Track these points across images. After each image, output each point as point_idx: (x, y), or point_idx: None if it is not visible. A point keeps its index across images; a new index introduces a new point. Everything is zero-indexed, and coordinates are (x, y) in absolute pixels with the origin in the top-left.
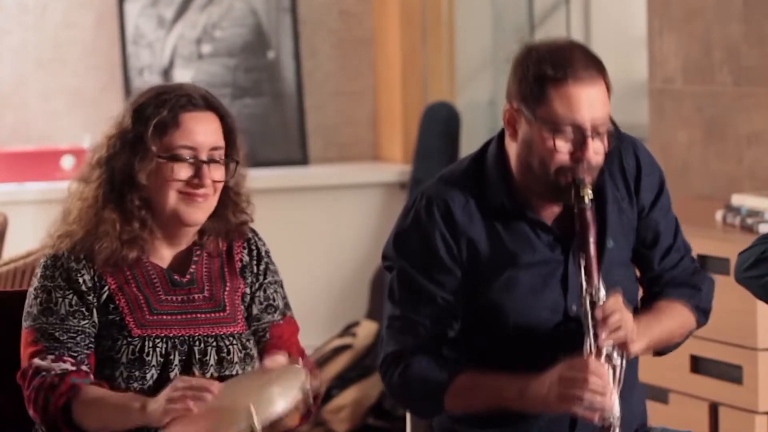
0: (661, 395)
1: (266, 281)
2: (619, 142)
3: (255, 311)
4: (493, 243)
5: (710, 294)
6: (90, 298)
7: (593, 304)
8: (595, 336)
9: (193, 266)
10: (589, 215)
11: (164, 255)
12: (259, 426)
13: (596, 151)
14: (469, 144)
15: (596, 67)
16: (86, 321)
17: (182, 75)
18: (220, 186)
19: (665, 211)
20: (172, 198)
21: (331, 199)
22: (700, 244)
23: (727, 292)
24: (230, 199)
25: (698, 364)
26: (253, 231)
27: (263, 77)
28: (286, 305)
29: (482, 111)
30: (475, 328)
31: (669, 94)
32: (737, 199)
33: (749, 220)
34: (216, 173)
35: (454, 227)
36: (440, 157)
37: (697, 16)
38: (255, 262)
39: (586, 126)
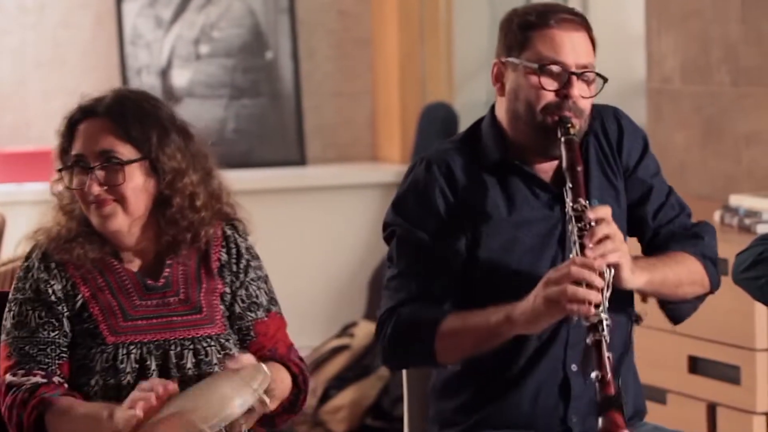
0: (659, 395)
1: (248, 279)
2: (602, 108)
3: (237, 310)
4: (493, 202)
5: (713, 241)
6: (60, 308)
7: (579, 218)
8: (581, 246)
9: (168, 269)
10: (577, 146)
11: (134, 260)
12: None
13: (582, 94)
14: None
15: (579, 17)
16: (56, 332)
17: (180, 75)
18: (128, 189)
19: (651, 172)
20: (84, 208)
21: (329, 200)
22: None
23: (725, 292)
24: (170, 203)
25: (696, 365)
26: (234, 227)
27: (261, 78)
28: (272, 300)
29: (480, 111)
30: (474, 287)
31: (667, 93)
32: (735, 200)
33: (747, 221)
34: (111, 178)
35: (454, 185)
36: None
37: (696, 15)
38: (234, 261)
39: (570, 65)
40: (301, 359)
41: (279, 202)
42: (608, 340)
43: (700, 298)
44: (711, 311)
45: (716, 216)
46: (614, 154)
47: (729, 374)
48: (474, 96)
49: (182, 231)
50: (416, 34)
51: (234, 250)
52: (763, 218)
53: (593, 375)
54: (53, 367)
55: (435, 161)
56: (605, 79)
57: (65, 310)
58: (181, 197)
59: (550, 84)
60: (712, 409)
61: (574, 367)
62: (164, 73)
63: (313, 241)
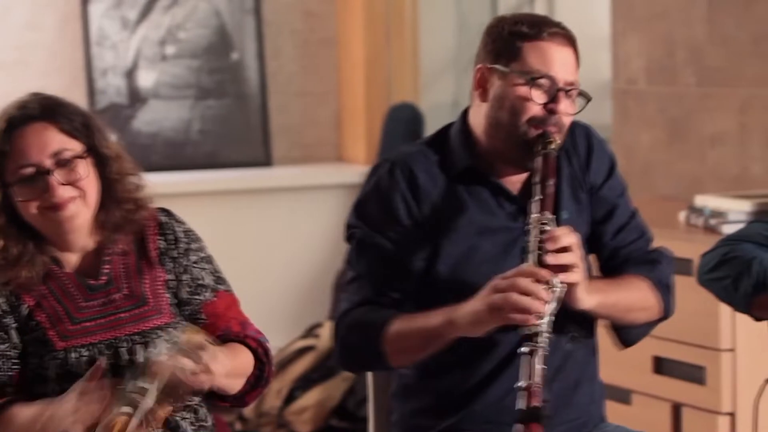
0: (623, 396)
1: (190, 262)
2: (574, 124)
3: (184, 295)
4: (456, 209)
5: (670, 268)
6: (7, 320)
7: (543, 228)
8: (540, 253)
9: (107, 266)
10: (553, 162)
11: (72, 261)
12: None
13: (566, 110)
14: None
15: (568, 34)
16: (5, 344)
17: (146, 76)
18: (88, 182)
19: (617, 192)
20: (36, 217)
21: (294, 201)
22: (662, 245)
23: (689, 293)
24: (111, 193)
25: (661, 365)
26: (167, 213)
27: (227, 78)
28: (218, 280)
29: (446, 112)
30: (433, 293)
31: (632, 94)
32: (700, 200)
33: (712, 221)
34: (71, 175)
35: (416, 190)
36: None
37: (661, 16)
38: (173, 246)
39: (560, 80)
40: (258, 332)
41: (244, 203)
42: (545, 353)
43: (651, 324)
44: (675, 312)
45: (681, 216)
46: (582, 170)
47: (693, 374)
48: (439, 96)
49: (129, 213)
50: (382, 34)
51: (171, 236)
52: (729, 218)
53: (520, 384)
54: (3, 379)
55: (398, 165)
56: (589, 98)
57: (12, 321)
58: (123, 182)
59: (538, 97)
60: (676, 410)
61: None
62: (130, 74)
63: (278, 241)
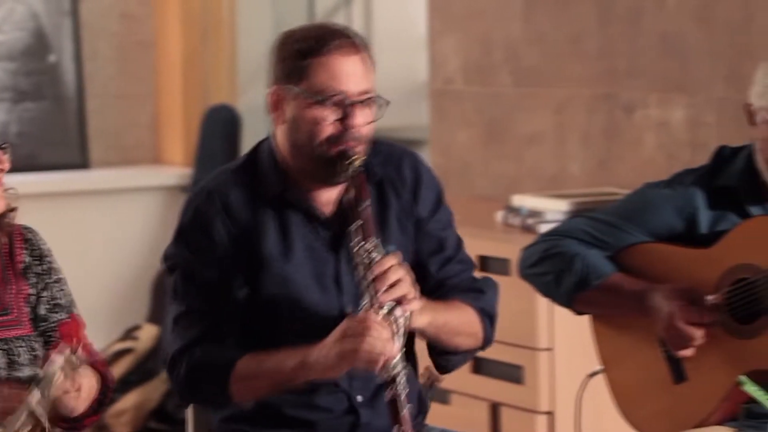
0: (442, 396)
1: (51, 281)
2: (402, 154)
3: (42, 311)
4: (269, 239)
5: (495, 298)
6: None
7: (369, 260)
8: (373, 291)
9: None
10: (362, 179)
11: None
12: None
13: (363, 121)
14: (250, 146)
15: (356, 39)
16: None
17: None
18: None
19: (444, 224)
20: None
21: (112, 203)
22: (480, 245)
23: (507, 292)
24: None
25: (479, 365)
26: (31, 230)
27: (44, 81)
28: (72, 302)
29: (263, 113)
30: (256, 322)
31: (449, 95)
32: (517, 200)
33: (529, 221)
34: None
35: (234, 218)
36: (222, 160)
37: (478, 16)
38: (37, 262)
39: (351, 94)
40: (104, 359)
41: (62, 206)
42: (405, 393)
43: (470, 352)
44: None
45: (499, 216)
46: (410, 202)
47: (512, 374)
48: (257, 98)
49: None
50: (199, 37)
51: (37, 252)
52: (546, 218)
53: (394, 430)
54: None
55: (215, 193)
56: (387, 102)
57: None
58: None
59: (331, 115)
60: (495, 409)
61: (359, 398)
62: None
63: (96, 243)
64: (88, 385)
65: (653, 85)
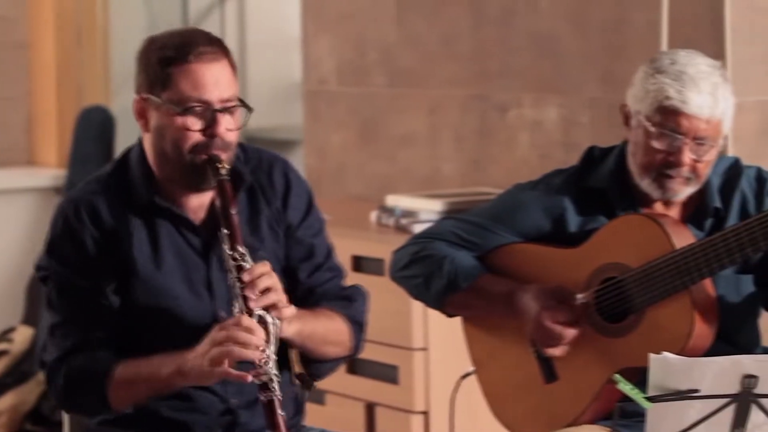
0: (317, 396)
1: None
2: (272, 160)
3: None
4: (139, 248)
5: (364, 306)
6: None
7: (240, 267)
8: (245, 298)
9: None
10: (229, 187)
11: None
12: None
13: (228, 127)
14: (124, 147)
15: (218, 45)
16: None
17: None
18: None
19: (314, 231)
20: None
21: None
22: (354, 245)
23: (382, 292)
24: None
25: (354, 365)
26: None
27: None
28: None
29: None
30: (131, 329)
31: (323, 95)
32: (391, 200)
33: (403, 221)
34: None
35: (102, 228)
36: (96, 162)
37: (351, 17)
38: None
39: (214, 102)
40: None
41: None
42: (279, 399)
43: (339, 360)
44: (369, 311)
45: (373, 216)
46: (280, 209)
47: (387, 374)
48: (131, 100)
49: None
50: (73, 38)
51: None
52: (420, 218)
53: None
54: None
55: (82, 203)
56: (250, 110)
57: None
58: None
59: (195, 124)
60: (370, 409)
61: (234, 401)
62: None
63: None
64: None
65: (527, 86)
